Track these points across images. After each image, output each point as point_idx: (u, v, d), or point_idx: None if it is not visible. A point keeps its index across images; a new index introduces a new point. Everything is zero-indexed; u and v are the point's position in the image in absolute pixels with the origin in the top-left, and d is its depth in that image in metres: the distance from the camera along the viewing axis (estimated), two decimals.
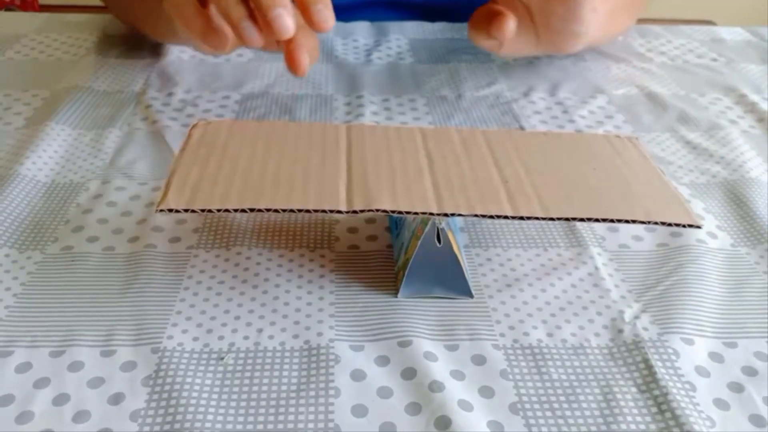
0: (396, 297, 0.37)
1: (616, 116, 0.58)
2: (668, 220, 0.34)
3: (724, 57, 0.71)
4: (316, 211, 0.33)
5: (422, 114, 0.57)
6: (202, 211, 0.32)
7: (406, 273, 0.36)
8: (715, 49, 0.73)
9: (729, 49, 0.74)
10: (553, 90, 0.62)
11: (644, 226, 0.43)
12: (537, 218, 0.33)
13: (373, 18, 0.78)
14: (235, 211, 0.32)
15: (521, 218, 0.33)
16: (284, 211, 0.32)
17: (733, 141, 0.54)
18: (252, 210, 0.32)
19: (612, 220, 0.34)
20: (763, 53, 0.73)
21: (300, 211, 0.32)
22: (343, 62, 0.67)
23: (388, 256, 0.40)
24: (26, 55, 0.66)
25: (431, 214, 0.33)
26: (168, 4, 0.46)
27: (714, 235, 0.43)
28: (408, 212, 0.33)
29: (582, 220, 0.34)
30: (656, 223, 0.34)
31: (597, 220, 0.34)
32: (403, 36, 0.74)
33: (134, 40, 0.69)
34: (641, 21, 0.85)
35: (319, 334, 0.34)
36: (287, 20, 0.39)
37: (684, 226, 0.34)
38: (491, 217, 0.33)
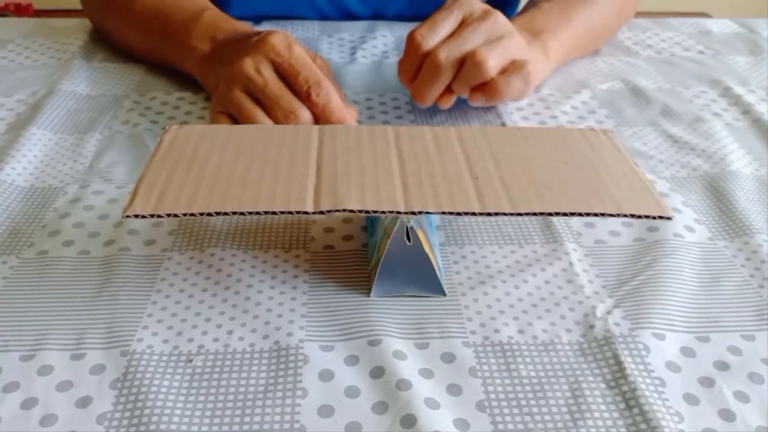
0: (369, 296, 0.37)
1: (599, 111, 0.57)
2: (638, 212, 0.34)
3: (712, 49, 0.71)
4: (282, 212, 0.33)
5: (404, 113, 0.57)
6: (168, 215, 0.32)
7: (377, 272, 0.36)
8: (703, 42, 0.73)
9: (717, 41, 0.73)
10: (537, 86, 0.62)
11: (621, 220, 0.43)
12: (505, 214, 0.33)
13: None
14: (201, 214, 0.32)
15: (488, 214, 0.33)
16: (250, 213, 0.32)
17: (716, 134, 0.53)
18: (218, 213, 0.32)
19: (581, 214, 0.34)
20: (751, 45, 0.72)
21: (266, 213, 0.32)
22: (327, 61, 0.67)
23: (364, 255, 0.40)
24: (12, 60, 0.66)
25: (399, 212, 0.33)
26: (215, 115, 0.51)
27: (692, 229, 0.42)
28: (375, 211, 0.33)
29: (551, 214, 0.34)
30: (625, 215, 0.34)
31: (566, 214, 0.34)
32: (390, 34, 0.74)
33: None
34: None
35: (290, 335, 0.34)
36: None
37: (654, 217, 0.34)
38: (459, 213, 0.33)
